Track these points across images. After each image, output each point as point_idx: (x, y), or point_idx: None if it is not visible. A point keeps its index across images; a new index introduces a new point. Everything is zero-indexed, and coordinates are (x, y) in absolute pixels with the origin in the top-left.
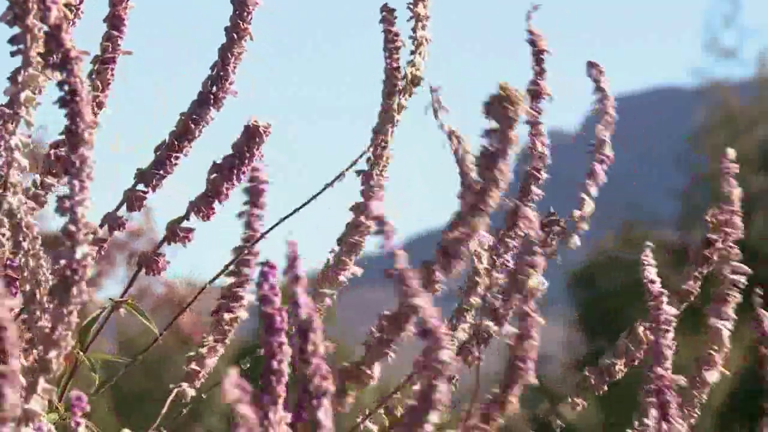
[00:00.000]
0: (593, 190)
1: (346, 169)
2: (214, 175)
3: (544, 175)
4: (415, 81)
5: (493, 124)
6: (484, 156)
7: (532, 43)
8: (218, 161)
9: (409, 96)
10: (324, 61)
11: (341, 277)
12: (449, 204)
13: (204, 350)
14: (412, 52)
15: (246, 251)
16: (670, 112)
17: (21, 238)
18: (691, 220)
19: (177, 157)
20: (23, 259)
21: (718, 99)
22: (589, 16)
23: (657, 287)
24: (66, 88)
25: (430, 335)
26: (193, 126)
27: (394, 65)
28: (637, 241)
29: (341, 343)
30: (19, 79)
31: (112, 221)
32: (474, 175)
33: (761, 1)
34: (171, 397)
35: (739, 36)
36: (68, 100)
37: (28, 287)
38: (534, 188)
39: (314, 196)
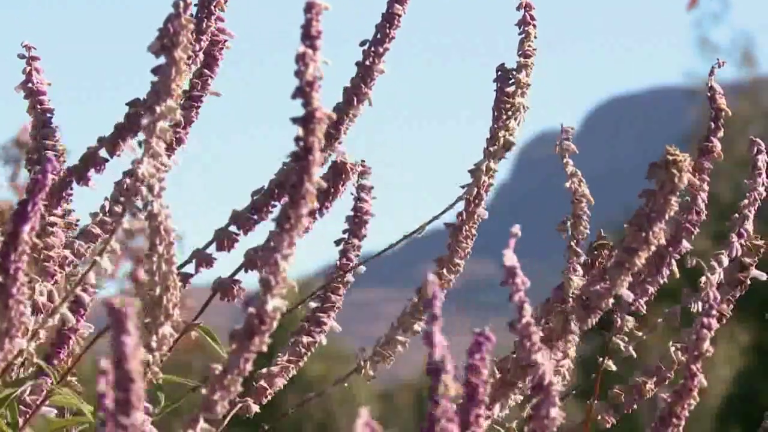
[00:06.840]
0: None
1: (429, 222)
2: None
3: (697, 230)
4: (507, 146)
5: (655, 186)
6: (639, 217)
7: (712, 99)
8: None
9: (500, 160)
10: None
11: (416, 327)
12: (449, 203)
13: (275, 369)
14: (508, 117)
15: (336, 278)
16: (669, 111)
17: (158, 241)
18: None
19: (274, 206)
20: (156, 263)
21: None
22: (588, 17)
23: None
24: (302, 144)
25: (542, 391)
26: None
27: (500, 125)
28: None
29: (340, 342)
30: (157, 110)
31: (201, 258)
32: (584, 218)
33: (753, 3)
34: (234, 411)
35: (728, 36)
36: (301, 157)
37: (157, 291)
38: (685, 241)
39: (397, 242)
